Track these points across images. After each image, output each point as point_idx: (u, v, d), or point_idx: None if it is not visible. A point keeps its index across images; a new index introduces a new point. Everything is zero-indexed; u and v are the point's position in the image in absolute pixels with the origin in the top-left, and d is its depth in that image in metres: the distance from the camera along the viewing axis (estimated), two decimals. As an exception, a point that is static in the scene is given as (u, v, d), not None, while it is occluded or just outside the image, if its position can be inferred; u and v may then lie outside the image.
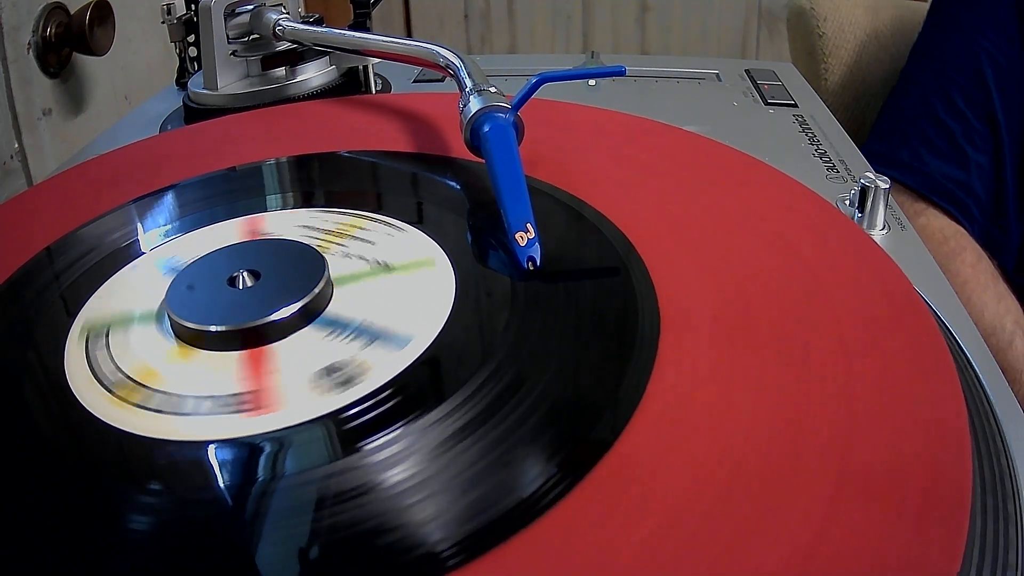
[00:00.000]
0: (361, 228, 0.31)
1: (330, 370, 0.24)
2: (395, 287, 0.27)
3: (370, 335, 0.25)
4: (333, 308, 0.26)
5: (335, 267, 0.28)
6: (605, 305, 0.26)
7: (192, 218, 0.33)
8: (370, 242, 0.30)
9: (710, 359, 0.23)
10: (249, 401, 0.23)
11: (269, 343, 0.25)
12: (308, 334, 0.25)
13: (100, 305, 0.28)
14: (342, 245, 0.30)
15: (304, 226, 0.31)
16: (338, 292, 0.27)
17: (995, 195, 0.63)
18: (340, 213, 0.32)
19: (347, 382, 0.23)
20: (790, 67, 0.57)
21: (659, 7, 1.35)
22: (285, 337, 0.25)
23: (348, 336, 0.25)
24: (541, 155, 0.34)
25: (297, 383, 0.23)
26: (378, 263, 0.28)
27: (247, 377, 0.24)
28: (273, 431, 0.21)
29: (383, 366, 0.23)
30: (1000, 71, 0.62)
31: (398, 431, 0.21)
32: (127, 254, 0.30)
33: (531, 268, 0.27)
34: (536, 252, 0.27)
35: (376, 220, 0.31)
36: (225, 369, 0.24)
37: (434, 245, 0.29)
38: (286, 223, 0.32)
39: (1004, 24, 0.62)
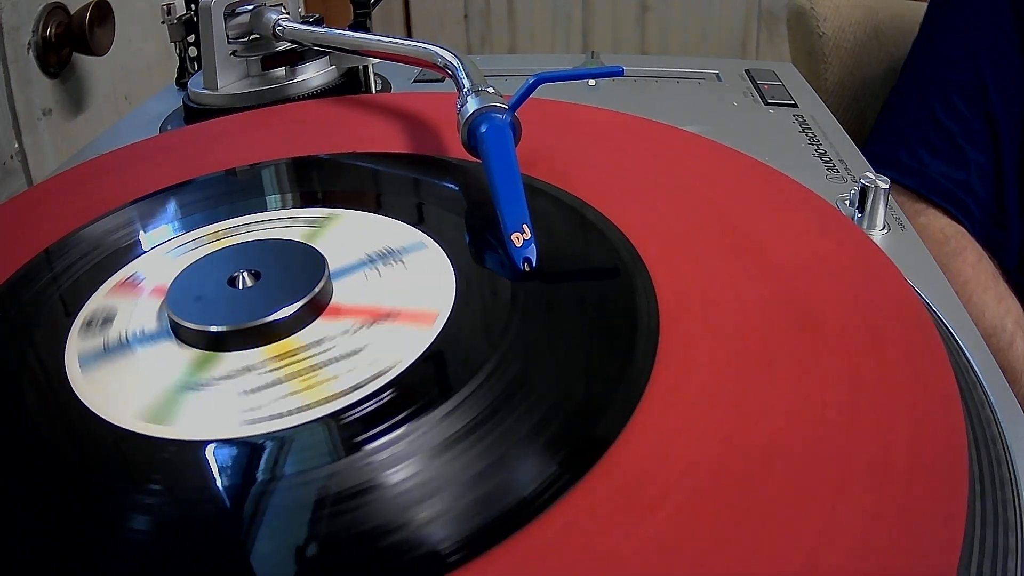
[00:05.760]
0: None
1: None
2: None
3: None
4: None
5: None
6: (605, 304, 0.26)
7: (190, 219, 0.33)
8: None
9: (710, 359, 0.23)
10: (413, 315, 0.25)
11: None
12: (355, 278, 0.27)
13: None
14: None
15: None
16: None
17: (995, 194, 0.63)
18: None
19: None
20: (790, 67, 0.57)
21: (659, 7, 1.35)
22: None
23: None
24: (540, 155, 0.34)
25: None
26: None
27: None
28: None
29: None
30: (999, 70, 0.62)
31: (399, 431, 0.21)
32: (127, 254, 0.30)
33: (527, 269, 0.27)
34: (532, 253, 0.27)
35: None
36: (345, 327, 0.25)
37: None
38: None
39: (1002, 23, 0.62)
